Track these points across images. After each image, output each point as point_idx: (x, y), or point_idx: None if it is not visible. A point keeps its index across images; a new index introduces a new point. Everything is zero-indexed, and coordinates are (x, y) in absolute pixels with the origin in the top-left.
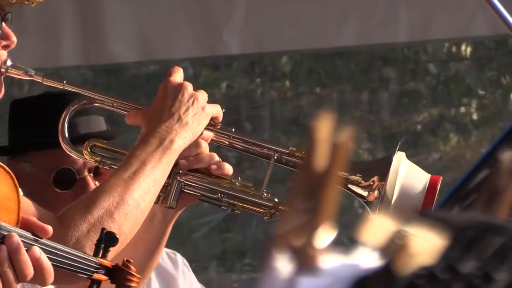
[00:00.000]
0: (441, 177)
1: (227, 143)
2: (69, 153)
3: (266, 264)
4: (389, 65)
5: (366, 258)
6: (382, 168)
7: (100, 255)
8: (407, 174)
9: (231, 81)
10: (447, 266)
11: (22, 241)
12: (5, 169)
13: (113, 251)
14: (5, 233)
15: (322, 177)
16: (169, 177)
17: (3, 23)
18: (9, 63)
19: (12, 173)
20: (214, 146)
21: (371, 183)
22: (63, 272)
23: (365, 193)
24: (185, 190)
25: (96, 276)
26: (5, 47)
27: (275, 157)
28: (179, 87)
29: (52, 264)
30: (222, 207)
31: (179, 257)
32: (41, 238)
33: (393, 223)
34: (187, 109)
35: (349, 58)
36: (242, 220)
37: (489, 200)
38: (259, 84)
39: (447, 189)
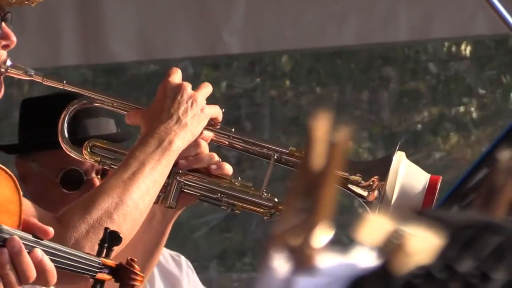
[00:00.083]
0: (440, 177)
1: (226, 143)
2: (69, 153)
3: (263, 264)
4: (389, 65)
5: (363, 258)
6: (382, 168)
7: (103, 255)
8: (407, 174)
9: (231, 81)
10: (444, 265)
11: (24, 243)
12: (6, 172)
13: (115, 251)
14: (7, 236)
15: (320, 176)
16: (168, 177)
17: (3, 23)
18: (8, 63)
19: (13, 176)
20: (214, 146)
21: (371, 183)
22: (65, 272)
23: (365, 193)
24: (185, 190)
25: (100, 275)
26: (4, 47)
27: (275, 157)
28: (178, 88)
29: (55, 266)
30: (222, 207)
31: (183, 259)
32: (42, 239)
33: (390, 222)
34: (186, 110)
35: (349, 58)
36: (242, 219)
37: (487, 199)
38: (259, 84)
39: (447, 188)
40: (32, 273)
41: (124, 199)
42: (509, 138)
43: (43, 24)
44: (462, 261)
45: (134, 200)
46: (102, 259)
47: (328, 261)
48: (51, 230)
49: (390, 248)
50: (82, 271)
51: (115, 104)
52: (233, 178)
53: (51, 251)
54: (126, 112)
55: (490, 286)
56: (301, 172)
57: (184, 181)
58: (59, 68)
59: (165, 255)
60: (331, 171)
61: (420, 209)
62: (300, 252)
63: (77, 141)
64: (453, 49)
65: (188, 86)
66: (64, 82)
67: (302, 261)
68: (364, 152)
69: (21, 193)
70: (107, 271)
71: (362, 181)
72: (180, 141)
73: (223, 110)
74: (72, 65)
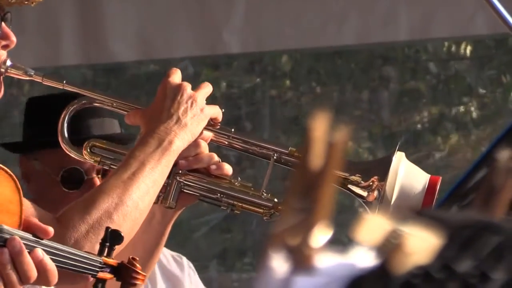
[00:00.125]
0: (440, 177)
1: (226, 143)
2: (68, 153)
3: (262, 264)
4: (389, 64)
5: (362, 258)
6: (381, 168)
7: (105, 254)
8: (407, 174)
9: (231, 80)
10: (443, 265)
11: (24, 243)
12: (7, 172)
13: (116, 250)
14: (7, 236)
15: (318, 176)
16: (168, 177)
17: (3, 23)
18: (8, 63)
19: (14, 176)
20: (214, 146)
21: (371, 183)
22: (66, 272)
23: (364, 194)
24: (185, 190)
25: (101, 275)
26: (4, 47)
27: (275, 157)
28: (178, 88)
29: (56, 265)
30: (222, 207)
31: (185, 260)
32: (42, 239)
33: (389, 222)
34: (186, 110)
35: (349, 57)
36: (243, 219)
37: (487, 199)
38: (259, 83)
39: (447, 188)
40: (33, 273)
41: (124, 199)
42: (509, 138)
43: (43, 24)
44: (461, 261)
45: (134, 200)
46: (104, 258)
47: (326, 261)
48: (51, 230)
49: (389, 248)
50: (83, 270)
51: (114, 104)
52: (233, 178)
53: (52, 250)
54: (126, 112)
55: (489, 286)
56: (300, 172)
57: (184, 181)
58: (59, 67)
59: (167, 256)
60: (329, 171)
61: (419, 209)
62: (299, 252)
63: (80, 140)
64: (453, 48)
65: (188, 86)
66: (64, 82)
67: (300, 261)
68: (364, 152)
69: (22, 193)
70: (108, 270)
71: (362, 182)
72: (180, 141)
73: (223, 110)
74: (72, 65)
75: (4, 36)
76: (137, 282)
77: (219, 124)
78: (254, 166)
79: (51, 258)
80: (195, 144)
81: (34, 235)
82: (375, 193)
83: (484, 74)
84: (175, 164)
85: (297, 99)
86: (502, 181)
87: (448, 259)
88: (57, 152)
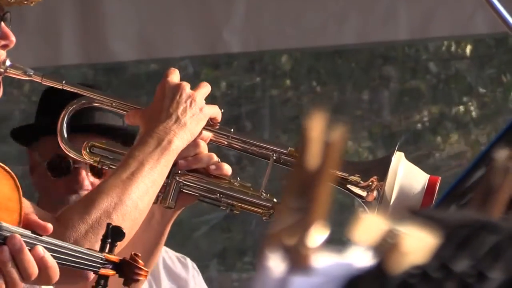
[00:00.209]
0: (439, 178)
1: (225, 143)
2: (68, 153)
3: (259, 263)
4: (390, 64)
5: (359, 257)
6: (381, 168)
7: (106, 250)
8: (406, 175)
9: (231, 80)
10: (440, 264)
11: (25, 240)
12: (6, 170)
13: (118, 246)
14: (7, 234)
15: (315, 175)
16: (168, 177)
17: (2, 23)
18: (8, 63)
19: (13, 174)
20: (214, 146)
21: (370, 183)
22: (66, 270)
23: (364, 194)
24: (184, 190)
25: (103, 271)
26: (4, 46)
27: (274, 157)
28: (177, 88)
29: (57, 262)
30: (221, 207)
31: (189, 261)
32: (42, 236)
33: (386, 222)
34: (185, 110)
35: (349, 57)
36: (243, 219)
37: (484, 199)
38: (259, 83)
39: (447, 188)
40: (34, 270)
41: (123, 199)
42: (507, 137)
43: (43, 23)
44: (458, 260)
45: (133, 200)
46: (105, 254)
47: (323, 261)
48: (50, 226)
49: (386, 247)
50: (85, 267)
51: (114, 104)
52: (232, 179)
53: (53, 247)
54: (125, 112)
55: (486, 286)
56: (296, 172)
57: (183, 181)
58: (60, 67)
59: (171, 257)
60: (326, 171)
61: (416, 209)
62: (296, 252)
63: (81, 127)
64: (453, 48)
65: (186, 86)
66: (63, 82)
67: (297, 260)
68: (364, 151)
69: (21, 191)
70: (110, 267)
71: (361, 182)
72: (179, 140)
73: (222, 110)
74: (73, 64)
75: (4, 36)
76: (140, 278)
77: (218, 124)
78: (254, 165)
79: (52, 255)
80: (194, 144)
81: (33, 232)
82: (375, 193)
83: (484, 73)
84: (175, 164)
85: (297, 99)
86: (500, 180)
87: (445, 259)
88: (49, 140)
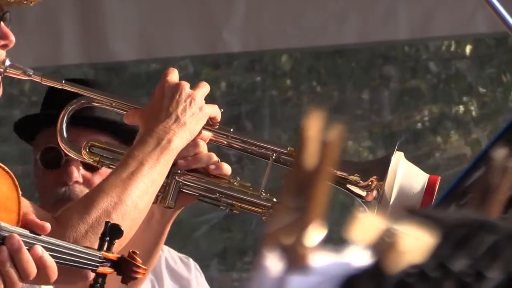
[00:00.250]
0: (439, 177)
1: (225, 143)
2: (68, 153)
3: (257, 263)
4: (390, 63)
5: (357, 256)
6: (380, 168)
7: (104, 249)
8: (406, 174)
9: (231, 79)
10: (438, 264)
11: (23, 240)
12: (4, 169)
13: (116, 244)
14: (6, 233)
15: (312, 175)
16: (167, 177)
17: (2, 23)
18: (7, 63)
19: (11, 173)
20: (214, 146)
21: (370, 183)
22: (65, 269)
23: (363, 193)
24: (184, 190)
25: (101, 269)
26: (3, 46)
27: (273, 157)
28: (176, 87)
29: (55, 261)
30: (221, 207)
31: (191, 262)
32: (40, 235)
33: (383, 221)
34: (184, 109)
35: (349, 56)
36: (243, 218)
37: (483, 198)
38: (259, 82)
39: (447, 187)
40: (33, 270)
41: (123, 199)
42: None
43: (43, 23)
44: (456, 259)
45: (133, 200)
46: (103, 252)
47: (321, 260)
48: (48, 226)
49: (383, 246)
50: (83, 266)
51: (113, 104)
52: (232, 178)
53: (51, 247)
54: (125, 112)
55: (484, 285)
56: (294, 171)
57: (183, 181)
58: (60, 67)
59: (174, 257)
60: (324, 170)
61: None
62: (293, 251)
63: (82, 118)
64: (453, 47)
65: (186, 85)
66: (63, 82)
67: (295, 260)
68: (365, 151)
69: (20, 191)
70: (108, 265)
71: (361, 181)
72: (179, 140)
73: (222, 110)
74: (73, 64)
75: (3, 36)
76: (138, 275)
77: (218, 124)
78: (254, 164)
79: (50, 255)
80: (194, 143)
81: (32, 232)
82: (374, 193)
83: (485, 73)
84: (174, 164)
85: (297, 98)
86: (498, 180)
87: (443, 258)
88: (47, 132)
